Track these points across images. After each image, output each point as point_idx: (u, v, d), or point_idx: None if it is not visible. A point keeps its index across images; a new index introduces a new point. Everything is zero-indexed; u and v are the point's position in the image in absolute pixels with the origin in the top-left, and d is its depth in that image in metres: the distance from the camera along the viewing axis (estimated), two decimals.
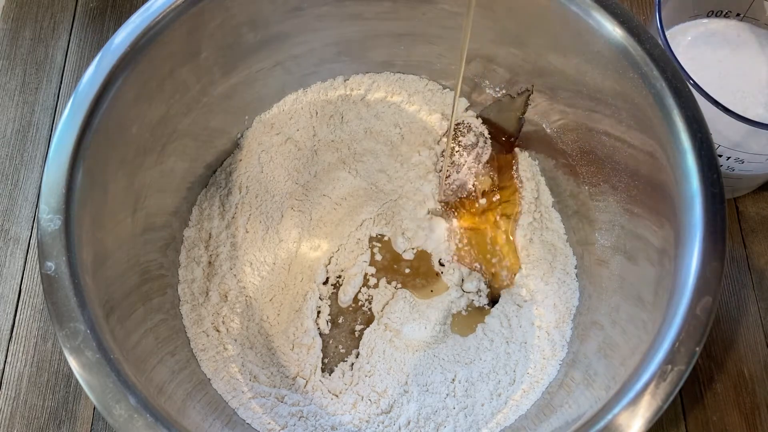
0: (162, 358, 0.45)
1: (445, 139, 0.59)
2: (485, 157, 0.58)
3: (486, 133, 0.59)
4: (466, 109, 0.59)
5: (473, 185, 0.57)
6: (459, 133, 0.59)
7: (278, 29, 0.52)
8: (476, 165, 0.58)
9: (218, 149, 0.56)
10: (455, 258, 0.56)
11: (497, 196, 0.57)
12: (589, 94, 0.47)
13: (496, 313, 0.55)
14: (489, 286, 0.56)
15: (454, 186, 0.58)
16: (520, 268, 0.55)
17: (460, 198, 0.58)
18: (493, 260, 0.56)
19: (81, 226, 0.40)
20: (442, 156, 0.58)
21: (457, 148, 0.59)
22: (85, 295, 0.38)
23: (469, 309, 0.56)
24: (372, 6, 0.52)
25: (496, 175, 0.58)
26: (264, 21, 0.50)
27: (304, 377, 0.52)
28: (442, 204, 0.57)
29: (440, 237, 0.57)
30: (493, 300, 0.56)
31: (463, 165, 0.58)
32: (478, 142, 0.58)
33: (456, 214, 0.57)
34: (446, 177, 0.57)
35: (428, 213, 0.58)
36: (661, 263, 0.42)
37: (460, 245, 0.57)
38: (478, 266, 0.56)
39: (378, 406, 0.51)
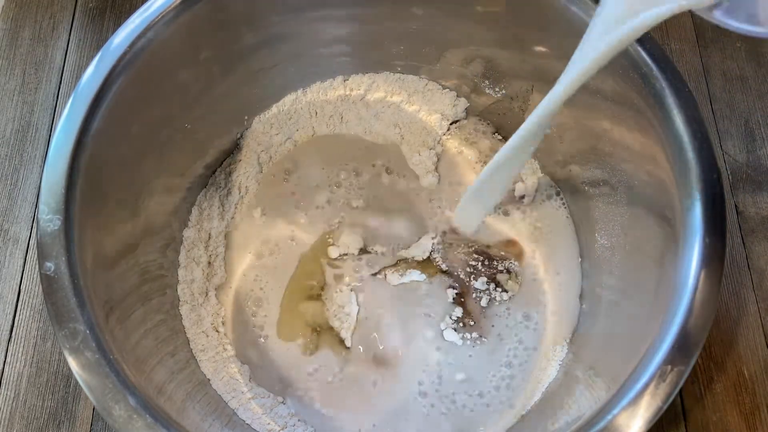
0: (161, 358, 0.45)
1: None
2: None
3: None
4: (466, 110, 0.59)
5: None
6: None
7: (278, 29, 0.52)
8: None
9: (218, 149, 0.56)
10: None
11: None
12: (589, 94, 0.47)
13: None
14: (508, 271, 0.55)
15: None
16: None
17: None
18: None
19: (81, 227, 0.40)
20: None
21: None
22: (85, 295, 0.38)
23: None
24: (372, 6, 0.52)
25: None
26: (264, 21, 0.50)
27: None
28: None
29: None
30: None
31: None
32: None
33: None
34: None
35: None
36: (661, 263, 0.42)
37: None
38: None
39: None
